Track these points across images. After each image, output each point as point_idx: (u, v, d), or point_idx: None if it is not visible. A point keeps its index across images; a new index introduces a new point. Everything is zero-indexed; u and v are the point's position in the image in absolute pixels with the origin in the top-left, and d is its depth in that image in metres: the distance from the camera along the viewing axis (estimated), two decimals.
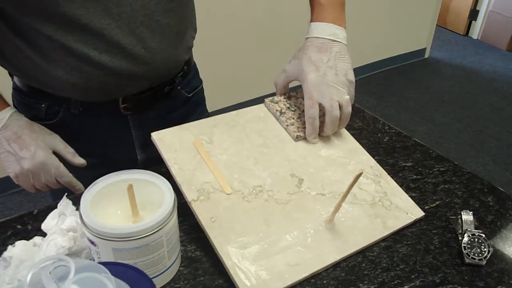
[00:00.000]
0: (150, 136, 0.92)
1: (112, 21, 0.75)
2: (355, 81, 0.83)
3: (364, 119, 1.02)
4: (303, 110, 0.83)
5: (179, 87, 0.96)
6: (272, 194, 0.73)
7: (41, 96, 0.86)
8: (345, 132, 0.87)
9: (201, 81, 1.06)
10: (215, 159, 0.75)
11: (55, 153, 0.82)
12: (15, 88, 0.91)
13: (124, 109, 0.89)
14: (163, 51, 0.84)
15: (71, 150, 0.84)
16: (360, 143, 0.92)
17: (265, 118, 0.85)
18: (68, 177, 0.83)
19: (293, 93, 0.90)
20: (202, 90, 1.07)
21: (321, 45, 0.82)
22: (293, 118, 0.85)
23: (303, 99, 0.84)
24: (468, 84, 3.59)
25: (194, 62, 1.04)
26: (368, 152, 0.89)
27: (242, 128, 0.82)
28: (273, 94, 0.92)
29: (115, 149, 0.93)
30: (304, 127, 0.83)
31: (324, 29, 0.83)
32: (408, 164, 0.88)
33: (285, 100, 0.89)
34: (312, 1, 0.88)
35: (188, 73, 0.98)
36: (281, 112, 0.86)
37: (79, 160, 0.84)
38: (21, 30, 0.76)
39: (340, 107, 0.80)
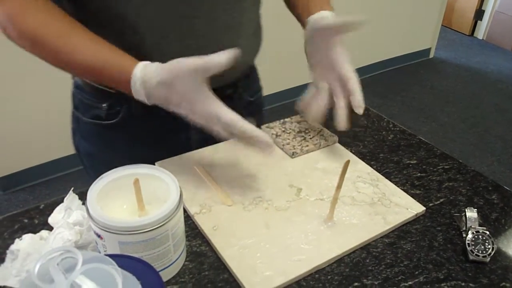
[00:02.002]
0: (208, 138, 0.89)
1: (193, 11, 0.76)
2: (360, 80, 0.84)
3: (369, 117, 1.02)
4: (298, 132, 0.92)
5: (241, 90, 0.96)
6: (271, 203, 0.75)
7: (102, 95, 0.85)
8: (340, 147, 0.90)
9: (261, 86, 1.06)
10: (216, 178, 0.79)
11: None
12: (77, 87, 0.90)
13: None
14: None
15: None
16: (365, 141, 0.93)
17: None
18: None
19: (288, 119, 0.96)
20: (262, 95, 1.07)
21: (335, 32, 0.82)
22: (289, 139, 0.90)
23: (297, 123, 0.95)
24: (473, 84, 3.59)
25: (256, 67, 1.04)
26: (373, 150, 0.90)
27: (240, 152, 0.86)
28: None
29: (171, 151, 0.88)
30: (300, 146, 0.87)
31: (327, 15, 0.84)
32: (412, 162, 0.88)
33: (280, 125, 0.94)
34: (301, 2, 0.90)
35: (250, 76, 0.99)
36: (276, 135, 0.90)
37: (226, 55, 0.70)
38: (104, 23, 0.75)
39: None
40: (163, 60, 0.71)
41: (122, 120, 0.87)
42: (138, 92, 0.70)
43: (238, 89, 0.95)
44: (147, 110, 0.80)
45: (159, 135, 0.90)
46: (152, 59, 0.72)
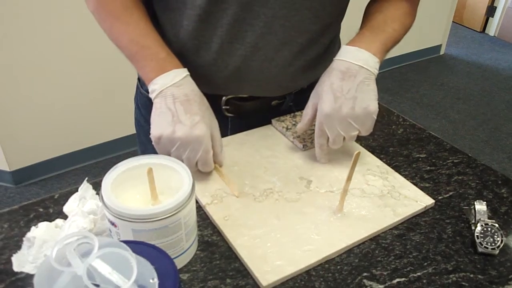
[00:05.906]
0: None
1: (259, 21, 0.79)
2: None
3: (379, 111, 1.02)
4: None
5: (290, 104, 0.97)
6: (282, 194, 0.76)
7: None
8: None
9: None
10: (227, 170, 0.80)
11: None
12: None
13: (225, 111, 0.91)
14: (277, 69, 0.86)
15: (222, 143, 0.79)
16: (375, 134, 0.93)
17: (272, 135, 0.91)
18: (210, 166, 0.76)
19: (298, 113, 0.97)
20: None
21: (346, 71, 0.76)
22: None
23: None
24: (484, 81, 3.56)
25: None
26: (382, 143, 0.90)
27: (251, 145, 0.88)
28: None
29: None
30: (310, 138, 0.88)
31: (353, 54, 0.77)
32: (422, 156, 0.89)
33: (290, 118, 0.95)
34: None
35: (305, 91, 0.96)
36: (287, 128, 0.91)
37: (221, 159, 0.78)
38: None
39: (344, 139, 0.79)
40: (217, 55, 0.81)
41: None
42: (154, 89, 0.75)
43: (286, 102, 0.96)
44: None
45: None
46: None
